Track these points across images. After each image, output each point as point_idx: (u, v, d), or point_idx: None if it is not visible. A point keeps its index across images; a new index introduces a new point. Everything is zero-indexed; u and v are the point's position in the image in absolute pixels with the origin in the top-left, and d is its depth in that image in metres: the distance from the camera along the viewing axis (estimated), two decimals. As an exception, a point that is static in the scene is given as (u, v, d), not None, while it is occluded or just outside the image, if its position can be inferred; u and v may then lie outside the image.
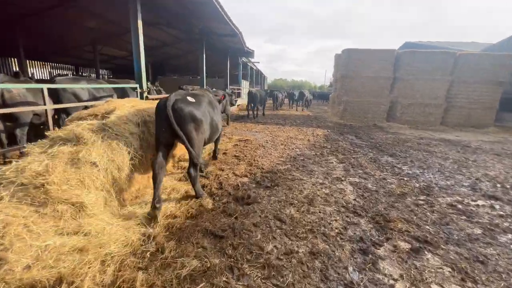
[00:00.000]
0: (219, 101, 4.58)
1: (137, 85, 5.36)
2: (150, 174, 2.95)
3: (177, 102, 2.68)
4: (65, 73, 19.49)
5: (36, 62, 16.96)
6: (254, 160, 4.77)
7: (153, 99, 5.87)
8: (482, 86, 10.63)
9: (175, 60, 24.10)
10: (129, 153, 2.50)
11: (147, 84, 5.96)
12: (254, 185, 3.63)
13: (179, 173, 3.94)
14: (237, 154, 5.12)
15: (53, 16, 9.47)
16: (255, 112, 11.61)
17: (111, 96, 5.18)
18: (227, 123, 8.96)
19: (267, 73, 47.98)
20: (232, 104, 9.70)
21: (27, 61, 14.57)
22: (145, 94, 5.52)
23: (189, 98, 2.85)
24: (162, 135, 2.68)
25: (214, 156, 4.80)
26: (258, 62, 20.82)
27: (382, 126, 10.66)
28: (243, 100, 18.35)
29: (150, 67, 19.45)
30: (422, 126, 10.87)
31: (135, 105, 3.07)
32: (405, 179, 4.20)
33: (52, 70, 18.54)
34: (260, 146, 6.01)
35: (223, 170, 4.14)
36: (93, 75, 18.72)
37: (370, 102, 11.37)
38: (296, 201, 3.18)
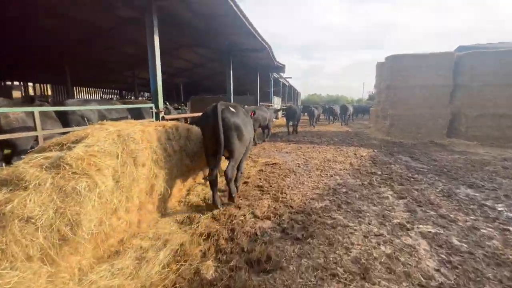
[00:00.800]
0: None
1: (152, 105, 4.87)
2: (136, 220, 2.20)
3: (223, 112, 2.95)
4: (109, 97, 21.12)
5: (81, 88, 18.61)
6: (282, 193, 3.76)
7: (170, 119, 5.35)
8: None
9: (208, 80, 24.76)
10: (92, 199, 1.74)
11: (165, 103, 5.52)
12: (278, 235, 2.61)
13: (183, 211, 3.12)
14: (260, 184, 4.17)
15: (94, 44, 10.08)
16: (292, 128, 11.07)
17: (126, 117, 4.75)
18: (263, 140, 8.18)
19: (301, 89, 47.13)
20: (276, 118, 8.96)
21: (74, 87, 15.97)
22: (161, 114, 5.01)
23: (231, 108, 3.14)
24: (210, 143, 3.01)
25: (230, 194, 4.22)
26: (290, 78, 20.17)
27: (443, 143, 8.74)
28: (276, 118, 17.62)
29: (182, 87, 20.00)
30: (497, 142, 8.64)
31: (123, 129, 2.39)
32: (511, 229, 2.76)
33: (97, 95, 20.30)
34: (290, 172, 4.98)
35: (240, 208, 3.21)
36: (133, 98, 20.00)
37: (424, 115, 9.57)
38: (342, 270, 2.07)
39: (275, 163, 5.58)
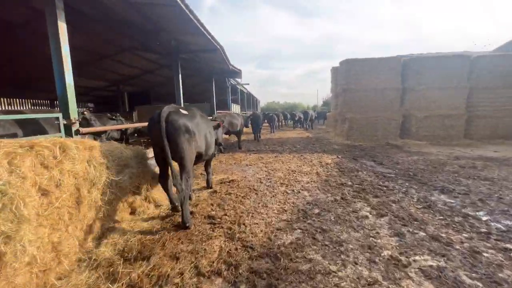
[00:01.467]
0: (215, 127, 4.12)
1: (59, 115, 3.56)
2: None
3: (170, 114, 2.72)
4: (32, 108, 17.75)
5: (3, 99, 15.33)
6: (239, 224, 2.85)
7: (88, 133, 4.08)
8: (507, 91, 9.17)
9: (160, 88, 22.90)
10: None
11: (83, 113, 4.19)
12: (233, 307, 1.69)
13: (139, 220, 1.98)
14: (212, 213, 3.19)
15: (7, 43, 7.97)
16: (258, 135, 10.96)
17: (14, 134, 3.35)
18: (220, 151, 7.17)
19: (260, 97, 47.44)
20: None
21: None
22: (74, 127, 3.70)
23: (182, 111, 2.89)
24: (158, 149, 2.79)
25: (207, 182, 4.38)
26: (248, 84, 19.73)
27: (398, 144, 8.94)
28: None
29: (126, 96, 17.96)
30: (444, 141, 9.18)
31: None
32: (509, 246, 2.31)
33: (22, 107, 16.90)
34: (250, 190, 4.12)
35: (177, 259, 2.19)
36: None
37: (379, 118, 9.77)
38: None
39: (233, 180, 4.67)
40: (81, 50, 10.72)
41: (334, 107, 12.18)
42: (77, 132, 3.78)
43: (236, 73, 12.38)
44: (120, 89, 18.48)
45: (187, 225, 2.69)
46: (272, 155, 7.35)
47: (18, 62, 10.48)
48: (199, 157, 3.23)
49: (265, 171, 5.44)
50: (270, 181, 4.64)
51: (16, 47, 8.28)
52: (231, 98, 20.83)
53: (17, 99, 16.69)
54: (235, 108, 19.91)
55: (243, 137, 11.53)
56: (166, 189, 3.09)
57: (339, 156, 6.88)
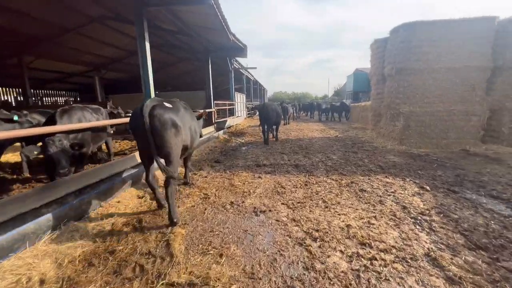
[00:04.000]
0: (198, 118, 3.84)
1: None
2: None
3: (155, 108, 2.55)
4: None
5: None
6: None
7: None
8: None
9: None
10: None
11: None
12: None
13: None
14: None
15: None
16: (270, 134, 7.99)
17: None
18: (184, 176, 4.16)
19: (266, 87, 43.72)
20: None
21: None
22: None
23: (166, 104, 2.74)
24: (142, 145, 2.67)
25: (185, 176, 4.03)
26: (255, 68, 16.33)
27: (486, 154, 5.72)
28: (236, 120, 13.59)
29: (99, 84, 14.89)
30: (558, 149, 5.88)
31: None
32: None
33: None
34: None
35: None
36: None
37: (453, 112, 6.49)
38: None
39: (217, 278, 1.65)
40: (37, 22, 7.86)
41: (374, 96, 8.87)
42: None
43: (240, 50, 9.16)
44: (101, 75, 15.44)
45: (175, 221, 2.62)
46: (297, 178, 4.25)
47: None
48: (184, 151, 3.04)
49: (296, 240, 2.36)
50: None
51: None
52: (235, 87, 17.63)
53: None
54: (239, 98, 16.69)
55: (249, 138, 8.42)
56: (153, 188, 2.98)
57: (425, 186, 3.73)
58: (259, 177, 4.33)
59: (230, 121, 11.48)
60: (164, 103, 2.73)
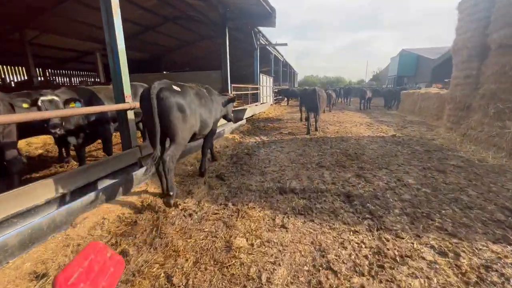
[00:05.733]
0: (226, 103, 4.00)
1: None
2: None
3: (162, 90, 2.53)
4: None
5: None
6: None
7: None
8: None
9: (177, 55, 18.29)
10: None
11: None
12: None
13: None
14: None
15: None
16: (311, 126, 6.92)
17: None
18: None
19: (297, 70, 40.11)
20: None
21: None
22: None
23: (175, 87, 2.70)
24: (151, 127, 2.55)
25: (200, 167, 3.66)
26: (285, 45, 13.66)
27: None
28: (259, 108, 11.49)
29: (100, 64, 13.62)
30: None
31: None
32: None
33: None
34: None
35: None
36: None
37: None
38: None
39: None
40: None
41: (459, 81, 6.07)
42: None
43: (266, 16, 6.93)
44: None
45: (171, 193, 2.64)
46: (355, 234, 2.21)
47: None
48: (191, 137, 3.03)
49: None
50: None
51: None
52: (263, 69, 15.35)
53: None
54: (266, 81, 14.46)
55: (273, 134, 6.35)
56: (159, 175, 2.85)
57: None
58: (283, 225, 2.36)
59: (251, 110, 9.47)
60: (173, 86, 2.70)
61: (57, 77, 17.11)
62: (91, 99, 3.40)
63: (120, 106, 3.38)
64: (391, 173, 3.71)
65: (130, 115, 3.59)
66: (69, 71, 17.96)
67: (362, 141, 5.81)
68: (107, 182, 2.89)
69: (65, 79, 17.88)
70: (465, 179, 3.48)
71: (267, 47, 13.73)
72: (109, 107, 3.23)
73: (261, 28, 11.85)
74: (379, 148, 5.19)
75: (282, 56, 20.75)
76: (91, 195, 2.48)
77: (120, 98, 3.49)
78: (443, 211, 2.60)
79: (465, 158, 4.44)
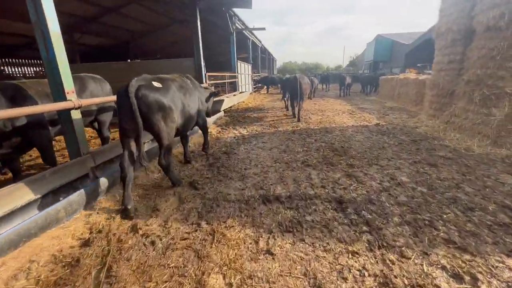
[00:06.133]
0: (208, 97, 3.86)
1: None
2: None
3: (140, 88, 2.35)
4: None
5: None
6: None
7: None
8: None
9: (145, 41, 16.80)
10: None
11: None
12: None
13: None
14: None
15: None
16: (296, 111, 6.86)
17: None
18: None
19: (276, 56, 39.13)
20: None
21: None
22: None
23: (155, 84, 2.53)
24: (127, 127, 2.40)
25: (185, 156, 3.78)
26: (263, 29, 12.88)
27: None
28: (238, 98, 10.85)
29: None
30: None
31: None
32: None
33: None
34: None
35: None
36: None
37: None
38: None
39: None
40: None
41: (441, 66, 5.91)
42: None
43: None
44: (74, 39, 12.64)
45: (178, 184, 2.85)
46: (354, 255, 1.85)
47: None
48: (178, 132, 2.96)
49: None
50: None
51: None
52: (240, 56, 14.54)
53: None
54: (244, 69, 13.73)
55: (253, 126, 5.84)
56: (124, 177, 2.47)
57: None
58: (268, 250, 1.93)
59: (229, 101, 8.85)
60: (153, 82, 2.52)
61: (7, 67, 15.06)
62: (15, 98, 2.65)
63: (59, 105, 2.68)
64: (382, 169, 3.42)
65: (76, 115, 2.90)
66: (22, 60, 15.89)
67: (347, 132, 5.52)
68: (44, 204, 2.27)
69: (17, 68, 15.83)
70: (458, 173, 3.27)
71: (244, 31, 12.92)
72: (42, 108, 2.53)
73: (237, 12, 11.01)
74: (366, 139, 4.92)
75: (260, 42, 19.93)
76: (14, 231, 1.87)
77: (59, 95, 2.78)
78: (445, 216, 2.32)
79: (452, 148, 4.28)
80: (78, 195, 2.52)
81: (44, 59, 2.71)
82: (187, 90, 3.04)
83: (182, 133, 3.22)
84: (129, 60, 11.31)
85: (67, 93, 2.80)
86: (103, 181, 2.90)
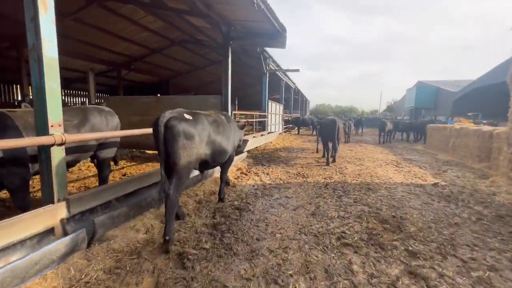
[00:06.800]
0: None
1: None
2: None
3: (170, 119, 2.43)
4: None
5: None
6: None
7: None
8: None
9: (184, 80, 17.93)
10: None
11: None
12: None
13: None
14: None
15: None
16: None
17: None
18: None
19: (308, 98, 39.24)
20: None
21: None
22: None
23: (186, 116, 2.59)
24: (159, 156, 2.43)
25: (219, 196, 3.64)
26: (297, 71, 12.77)
27: None
28: (266, 138, 10.27)
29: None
30: None
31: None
32: None
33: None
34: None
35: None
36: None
37: None
38: None
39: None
40: None
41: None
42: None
43: (274, 35, 6.00)
44: (121, 75, 13.81)
45: (167, 238, 2.30)
46: None
47: None
48: (204, 164, 2.98)
49: None
50: None
51: None
52: (272, 96, 14.45)
53: None
54: (274, 109, 13.43)
55: (278, 173, 4.93)
56: (165, 205, 2.45)
57: None
58: None
59: (255, 141, 8.25)
60: (185, 114, 2.60)
61: (65, 97, 16.91)
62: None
63: (36, 140, 2.19)
64: (466, 267, 2.21)
65: (57, 152, 2.39)
66: (74, 91, 17.80)
67: (396, 193, 4.33)
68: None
69: (72, 98, 17.68)
70: None
71: (278, 73, 12.92)
72: (15, 142, 2.04)
73: (271, 53, 11.14)
74: (425, 207, 3.69)
75: (294, 83, 20.05)
76: None
77: (42, 127, 2.33)
78: None
79: None
80: (23, 264, 1.82)
81: (35, 86, 2.34)
82: (221, 124, 3.07)
83: (211, 166, 3.23)
84: (158, 95, 11.81)
85: (51, 126, 2.33)
86: (76, 237, 2.24)
